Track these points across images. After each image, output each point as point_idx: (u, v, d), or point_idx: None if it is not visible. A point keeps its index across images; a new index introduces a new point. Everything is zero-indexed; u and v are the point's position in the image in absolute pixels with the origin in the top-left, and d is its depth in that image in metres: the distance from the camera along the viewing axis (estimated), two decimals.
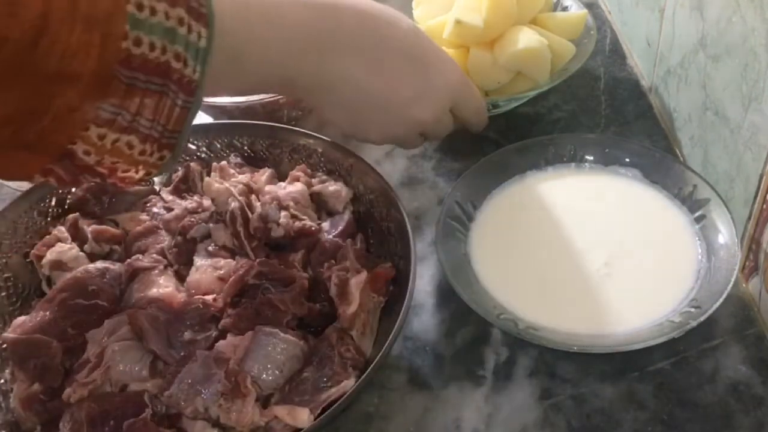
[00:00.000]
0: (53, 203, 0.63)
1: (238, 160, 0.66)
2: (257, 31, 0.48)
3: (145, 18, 0.40)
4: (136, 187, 0.65)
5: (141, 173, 0.46)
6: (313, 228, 0.59)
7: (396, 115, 0.58)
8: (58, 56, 0.38)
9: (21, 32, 0.36)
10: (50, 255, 0.59)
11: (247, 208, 0.58)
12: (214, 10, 0.43)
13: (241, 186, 0.59)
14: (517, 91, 0.73)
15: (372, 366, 0.48)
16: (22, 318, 0.55)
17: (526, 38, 0.70)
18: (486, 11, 0.71)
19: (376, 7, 0.55)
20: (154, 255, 0.59)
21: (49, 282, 0.59)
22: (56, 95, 0.39)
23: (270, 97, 0.72)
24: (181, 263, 0.59)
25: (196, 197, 0.64)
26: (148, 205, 0.64)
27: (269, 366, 0.51)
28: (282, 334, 0.52)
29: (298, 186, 0.61)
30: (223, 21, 0.44)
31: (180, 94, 0.43)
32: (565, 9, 0.79)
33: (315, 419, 0.48)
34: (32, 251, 0.60)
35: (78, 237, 0.61)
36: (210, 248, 0.59)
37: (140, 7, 0.40)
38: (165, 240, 0.61)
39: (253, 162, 0.67)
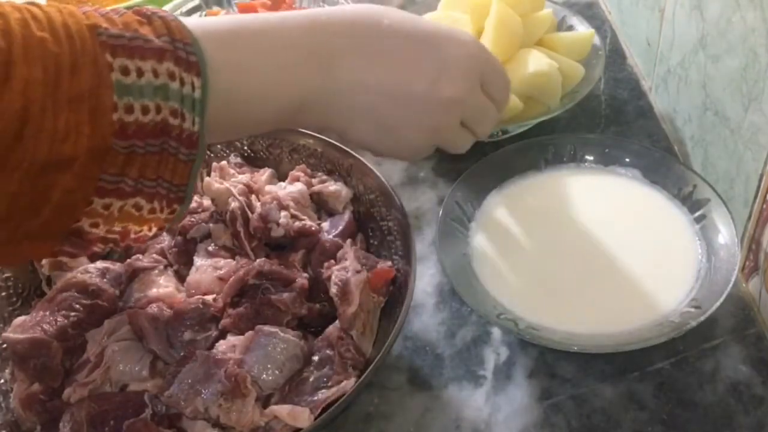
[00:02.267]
0: None
1: (238, 160, 0.66)
2: (250, 63, 0.44)
3: (133, 82, 0.38)
4: None
5: (154, 230, 0.44)
6: (313, 228, 0.59)
7: (423, 104, 0.50)
8: (47, 144, 0.36)
9: (2, 128, 0.35)
10: None
11: (247, 208, 0.58)
12: (204, 55, 0.41)
13: (241, 186, 0.60)
14: (527, 118, 0.71)
15: (372, 366, 0.48)
16: (22, 318, 0.55)
17: (536, 61, 0.70)
18: (493, 32, 0.70)
19: (364, 6, 0.50)
20: (154, 255, 0.59)
21: (49, 282, 0.59)
22: (53, 185, 0.38)
23: None
24: (181, 263, 0.59)
25: (196, 197, 0.64)
26: None
27: (269, 366, 0.51)
28: (282, 334, 0.52)
29: (298, 186, 0.61)
30: (214, 61, 0.41)
31: (181, 148, 0.41)
32: (570, 28, 0.78)
33: (315, 419, 0.48)
34: None
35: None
36: (210, 248, 0.59)
37: (125, 71, 0.38)
38: (165, 240, 0.61)
39: (253, 162, 0.67)
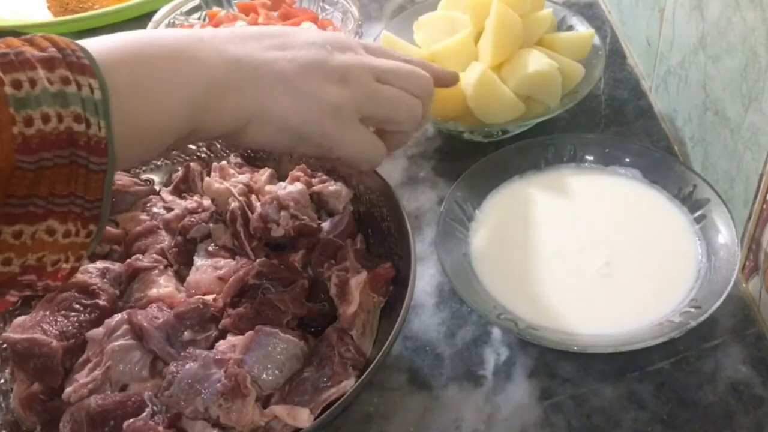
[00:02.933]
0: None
1: (238, 160, 0.66)
2: (144, 69, 0.43)
3: (27, 93, 0.36)
4: (136, 187, 0.65)
5: (72, 260, 0.41)
6: (313, 228, 0.59)
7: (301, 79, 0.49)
8: None
9: None
10: None
11: (247, 208, 0.58)
12: (94, 58, 0.39)
13: (241, 186, 0.60)
14: (527, 118, 0.71)
15: (372, 366, 0.48)
16: (22, 318, 0.55)
17: (536, 61, 0.70)
18: (493, 32, 0.70)
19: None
20: (154, 255, 0.59)
21: None
22: None
23: None
24: (181, 263, 0.59)
25: (196, 197, 0.64)
26: (148, 205, 0.64)
27: (269, 366, 0.51)
28: (282, 334, 0.52)
29: (298, 186, 0.61)
30: (106, 65, 0.40)
31: (91, 157, 0.39)
32: (570, 28, 0.78)
33: (315, 419, 0.48)
34: None
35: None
36: (210, 248, 0.59)
37: (17, 84, 0.36)
38: (165, 240, 0.61)
39: (253, 162, 0.67)
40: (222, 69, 0.46)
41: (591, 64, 0.74)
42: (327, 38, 0.52)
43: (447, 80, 0.61)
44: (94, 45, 0.41)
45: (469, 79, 0.70)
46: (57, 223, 0.39)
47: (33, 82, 0.37)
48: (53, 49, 0.38)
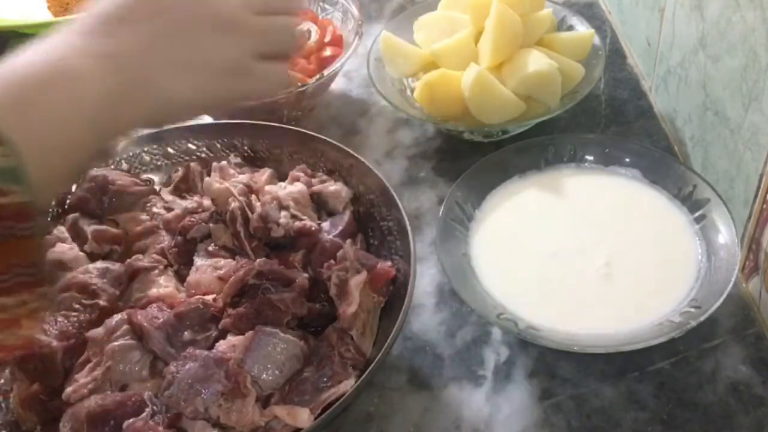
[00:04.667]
0: (53, 203, 0.63)
1: (238, 160, 0.66)
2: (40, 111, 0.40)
3: None
4: (136, 188, 0.65)
5: (35, 327, 0.40)
6: (313, 228, 0.59)
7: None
8: None
9: None
10: (50, 255, 0.59)
11: (247, 208, 0.58)
12: None
13: (241, 186, 0.59)
14: (527, 118, 0.71)
15: (372, 366, 0.48)
16: None
17: (536, 61, 0.70)
18: (493, 32, 0.70)
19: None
20: (154, 255, 0.59)
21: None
22: None
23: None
24: (181, 263, 0.59)
25: (196, 197, 0.64)
26: (148, 205, 0.64)
27: (269, 366, 0.50)
28: (282, 334, 0.52)
29: (298, 186, 0.61)
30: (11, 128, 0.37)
31: (18, 225, 0.37)
32: (570, 28, 0.78)
33: (315, 419, 0.48)
34: None
35: (78, 237, 0.61)
36: (210, 248, 0.59)
37: None
38: (165, 240, 0.61)
39: (253, 162, 0.67)
40: (104, 77, 0.43)
41: (591, 64, 0.74)
42: None
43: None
44: None
45: (466, 80, 0.70)
46: (7, 298, 0.38)
47: None
48: None
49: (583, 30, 0.77)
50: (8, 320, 0.38)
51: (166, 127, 0.67)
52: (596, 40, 0.75)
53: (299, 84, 0.73)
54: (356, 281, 0.54)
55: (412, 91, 0.75)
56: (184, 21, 0.47)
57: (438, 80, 0.71)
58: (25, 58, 0.42)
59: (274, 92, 0.56)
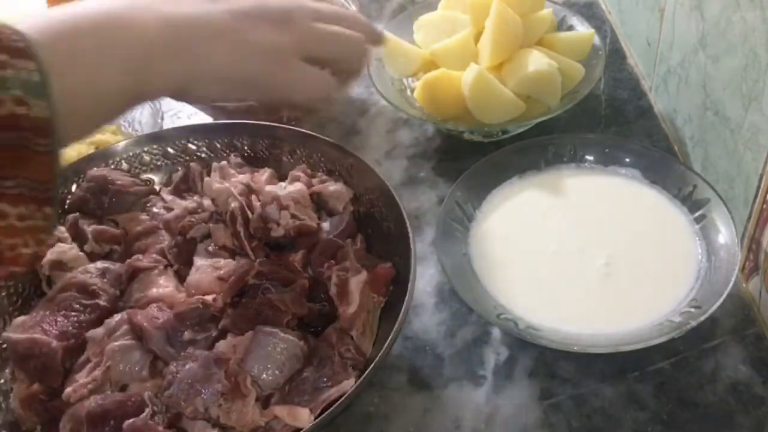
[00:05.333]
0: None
1: (238, 160, 0.66)
2: (80, 44, 0.43)
3: None
4: (136, 187, 0.65)
5: (32, 245, 0.41)
6: (313, 228, 0.59)
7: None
8: None
9: None
10: (50, 255, 0.59)
11: (247, 208, 0.58)
12: (31, 40, 0.39)
13: (241, 186, 0.59)
14: (527, 118, 0.71)
15: (372, 366, 0.48)
16: (22, 318, 0.55)
17: (536, 61, 0.70)
18: (493, 32, 0.70)
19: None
20: (154, 255, 0.59)
21: (49, 282, 0.59)
22: None
23: None
24: (181, 263, 0.59)
25: (196, 197, 0.64)
26: (148, 205, 0.64)
27: (269, 366, 0.50)
28: (282, 334, 0.52)
29: (298, 186, 0.61)
30: (45, 47, 0.40)
31: (36, 139, 0.39)
32: (570, 28, 0.78)
33: (315, 419, 0.48)
34: None
35: (78, 237, 0.61)
36: (210, 248, 0.59)
37: None
38: (165, 240, 0.61)
39: (253, 162, 0.67)
40: (157, 31, 0.47)
41: (591, 64, 0.74)
42: None
43: (375, 35, 0.61)
44: (27, 25, 0.41)
45: (466, 80, 0.70)
46: (9, 206, 0.39)
47: None
48: None
49: (583, 30, 0.77)
50: (6, 229, 0.39)
51: (166, 128, 0.67)
52: (596, 40, 0.75)
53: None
54: (356, 281, 0.54)
55: (412, 91, 0.75)
56: (242, 7, 0.50)
57: (438, 80, 0.71)
58: (94, 2, 0.46)
59: (311, 97, 0.55)
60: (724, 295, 0.53)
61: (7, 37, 0.39)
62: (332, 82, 0.55)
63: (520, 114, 0.71)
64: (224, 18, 0.50)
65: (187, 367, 0.49)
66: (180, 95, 0.51)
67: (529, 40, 0.73)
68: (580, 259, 0.61)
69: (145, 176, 0.67)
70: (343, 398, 0.48)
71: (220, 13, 0.50)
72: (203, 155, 0.68)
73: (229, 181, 0.61)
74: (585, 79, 0.73)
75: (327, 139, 0.64)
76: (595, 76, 0.72)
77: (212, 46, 0.49)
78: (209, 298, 0.55)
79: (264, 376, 0.50)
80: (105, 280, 0.57)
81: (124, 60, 0.45)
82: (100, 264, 0.58)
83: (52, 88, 0.40)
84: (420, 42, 0.78)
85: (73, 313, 0.55)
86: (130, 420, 0.48)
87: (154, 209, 0.64)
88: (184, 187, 0.65)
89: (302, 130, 0.65)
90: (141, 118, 0.78)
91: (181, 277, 0.58)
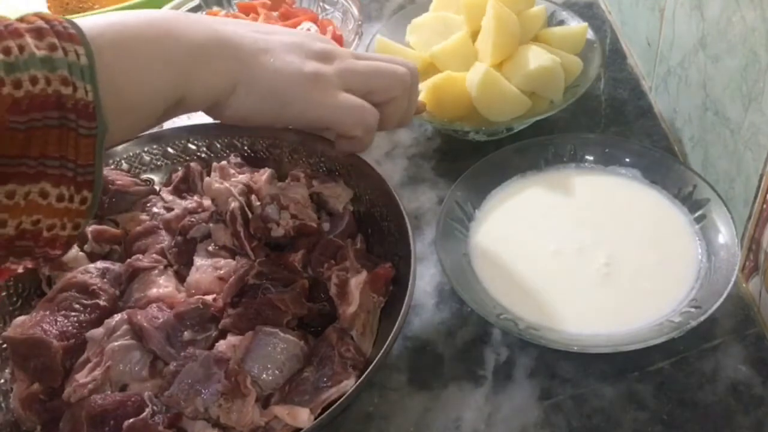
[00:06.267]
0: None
1: (238, 160, 0.66)
2: (131, 46, 0.45)
3: (16, 58, 0.38)
4: (136, 187, 0.65)
5: (69, 228, 0.42)
6: (313, 228, 0.59)
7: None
8: None
9: None
10: None
11: (247, 208, 0.58)
12: (82, 30, 0.42)
13: (241, 186, 0.59)
14: (533, 114, 0.71)
15: (372, 366, 0.48)
16: (22, 318, 0.55)
17: (537, 57, 0.70)
18: (494, 32, 0.70)
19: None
20: (154, 255, 0.59)
21: (49, 282, 0.59)
22: None
23: None
24: (181, 263, 0.59)
25: (196, 197, 0.64)
26: (148, 205, 0.64)
27: (269, 366, 0.51)
28: (282, 334, 0.52)
29: (298, 186, 0.61)
30: (96, 41, 0.42)
31: (80, 121, 0.40)
32: (561, 23, 0.78)
33: (315, 419, 0.48)
34: None
35: (78, 237, 0.61)
36: (210, 248, 0.59)
37: (7, 51, 0.38)
38: (165, 240, 0.61)
39: (253, 162, 0.67)
40: (204, 40, 0.49)
41: (588, 58, 0.74)
42: (311, 38, 0.56)
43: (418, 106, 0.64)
44: (80, 20, 0.43)
45: (473, 79, 0.70)
46: (49, 185, 0.40)
47: (21, 49, 0.39)
48: (41, 22, 0.40)
49: (574, 24, 0.77)
50: (45, 208, 0.41)
51: (166, 128, 0.67)
52: (590, 33, 0.76)
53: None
54: (356, 281, 0.54)
55: None
56: (292, 38, 0.54)
57: (444, 83, 0.71)
58: (145, 12, 0.48)
59: (349, 127, 0.55)
60: (724, 295, 0.53)
61: (60, 23, 0.41)
62: (373, 110, 0.56)
63: (526, 111, 0.71)
64: (272, 41, 0.52)
65: (187, 367, 0.49)
66: (217, 107, 0.52)
67: (524, 37, 0.74)
68: (580, 259, 0.61)
69: (145, 176, 0.68)
70: (343, 398, 0.48)
71: (269, 40, 0.52)
72: (203, 155, 0.68)
73: (229, 181, 0.61)
74: (583, 73, 0.73)
75: (327, 139, 0.64)
76: (593, 69, 0.73)
77: (255, 60, 0.51)
78: (209, 298, 0.55)
79: (264, 376, 0.50)
80: (105, 280, 0.57)
81: (168, 63, 0.46)
82: (100, 264, 0.58)
83: (103, 86, 0.41)
84: (415, 45, 0.78)
85: (73, 313, 0.55)
86: (130, 420, 0.48)
87: (154, 209, 0.64)
88: (184, 187, 0.65)
89: (302, 130, 0.65)
90: None
91: (181, 277, 0.58)
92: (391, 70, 0.57)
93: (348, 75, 0.54)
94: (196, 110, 0.53)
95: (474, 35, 0.74)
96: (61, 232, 0.42)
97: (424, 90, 0.71)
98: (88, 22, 0.43)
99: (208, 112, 0.54)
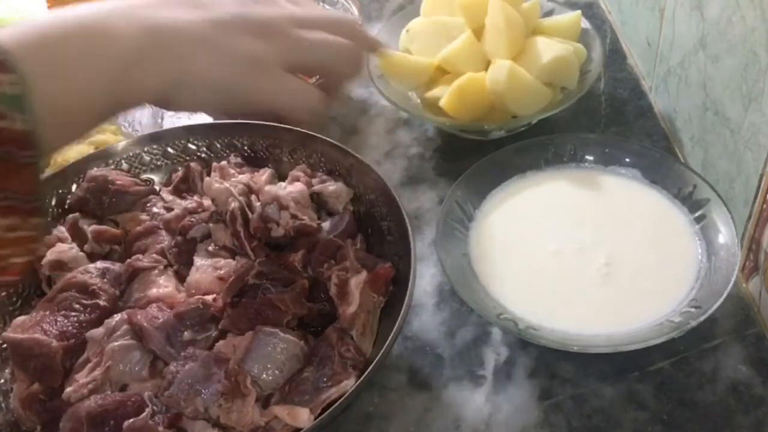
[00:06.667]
0: (53, 203, 0.63)
1: (238, 160, 0.66)
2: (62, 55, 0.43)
3: None
4: (136, 187, 0.65)
5: (24, 255, 0.42)
6: (313, 228, 0.59)
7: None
8: None
9: None
10: (50, 255, 0.59)
11: (247, 208, 0.58)
12: (9, 53, 0.39)
13: (241, 186, 0.59)
14: (554, 105, 0.71)
15: (372, 366, 0.48)
16: (22, 318, 0.55)
17: (549, 48, 0.70)
18: (504, 30, 0.70)
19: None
20: (154, 255, 0.59)
21: (49, 282, 0.59)
22: None
23: None
24: (181, 263, 0.59)
25: (196, 197, 0.64)
26: (148, 205, 0.64)
27: (269, 366, 0.51)
28: (282, 334, 0.52)
29: (298, 186, 0.61)
30: (25, 60, 0.40)
31: (19, 152, 0.39)
32: (551, 13, 0.79)
33: (315, 419, 0.48)
34: None
35: (78, 237, 0.61)
36: (210, 248, 0.59)
37: None
38: (165, 240, 0.61)
39: (253, 162, 0.67)
40: (136, 38, 0.46)
41: (588, 44, 0.75)
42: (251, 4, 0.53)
43: (370, 42, 0.61)
44: (6, 36, 0.41)
45: (497, 76, 0.69)
46: None
47: None
48: None
49: (564, 14, 0.78)
50: None
51: (166, 128, 0.67)
52: (584, 20, 0.76)
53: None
54: (356, 281, 0.54)
55: (422, 99, 0.75)
56: (224, 16, 0.50)
57: (467, 84, 0.70)
58: (72, 11, 0.45)
59: (295, 110, 0.54)
60: (724, 295, 0.53)
61: None
62: (316, 93, 0.54)
63: (548, 101, 0.71)
64: (204, 26, 0.49)
65: (187, 367, 0.49)
66: (162, 103, 0.50)
67: (527, 31, 0.74)
68: (580, 259, 0.61)
69: (145, 176, 0.68)
70: (343, 398, 0.48)
71: (200, 22, 0.49)
72: (203, 155, 0.68)
73: (229, 181, 0.61)
74: (588, 59, 0.74)
75: (327, 139, 0.64)
76: (596, 54, 0.73)
77: (191, 54, 0.48)
78: (209, 298, 0.55)
79: (264, 376, 0.50)
80: (105, 280, 0.57)
81: (103, 67, 0.45)
82: (100, 264, 0.58)
83: (34, 98, 0.39)
84: (416, 52, 0.77)
85: (73, 313, 0.55)
86: (130, 420, 0.48)
87: (154, 209, 0.64)
88: (184, 187, 0.66)
89: (302, 130, 0.65)
90: (141, 118, 0.78)
91: (181, 277, 0.58)
92: (334, 44, 0.54)
93: (291, 53, 0.52)
94: (139, 107, 0.52)
95: (476, 35, 0.74)
96: (15, 259, 0.41)
97: (448, 94, 0.70)
98: (12, 39, 0.41)
99: (158, 106, 0.52)
